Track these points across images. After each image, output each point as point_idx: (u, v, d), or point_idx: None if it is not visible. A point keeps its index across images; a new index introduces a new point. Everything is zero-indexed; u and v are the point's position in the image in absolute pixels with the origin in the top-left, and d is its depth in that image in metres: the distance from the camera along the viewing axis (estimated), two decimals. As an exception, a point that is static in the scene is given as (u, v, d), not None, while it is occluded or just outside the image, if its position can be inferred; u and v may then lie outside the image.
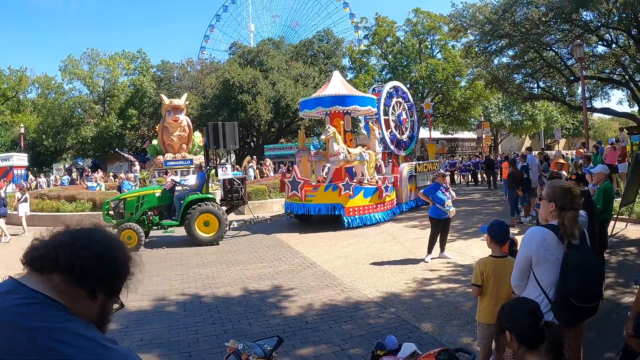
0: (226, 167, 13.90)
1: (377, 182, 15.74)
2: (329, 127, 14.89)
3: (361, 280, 8.40)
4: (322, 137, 14.90)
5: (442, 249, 9.97)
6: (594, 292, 3.25)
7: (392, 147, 18.63)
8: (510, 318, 2.47)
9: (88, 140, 41.78)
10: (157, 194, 13.19)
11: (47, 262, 1.35)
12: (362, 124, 23.15)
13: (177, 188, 13.66)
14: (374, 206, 15.07)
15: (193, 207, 12.56)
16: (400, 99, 19.76)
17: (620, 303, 6.52)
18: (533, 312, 2.47)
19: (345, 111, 16.53)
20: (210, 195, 13.21)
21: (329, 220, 14.85)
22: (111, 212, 12.77)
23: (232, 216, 15.57)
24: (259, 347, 3.25)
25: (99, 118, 42.50)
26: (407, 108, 20.24)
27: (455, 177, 32.25)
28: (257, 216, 15.35)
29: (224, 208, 13.77)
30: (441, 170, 10.60)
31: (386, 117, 18.48)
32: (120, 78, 45.37)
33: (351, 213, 14.47)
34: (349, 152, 14.87)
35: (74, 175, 35.16)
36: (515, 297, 3.36)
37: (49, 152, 43.20)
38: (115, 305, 1.54)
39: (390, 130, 18.60)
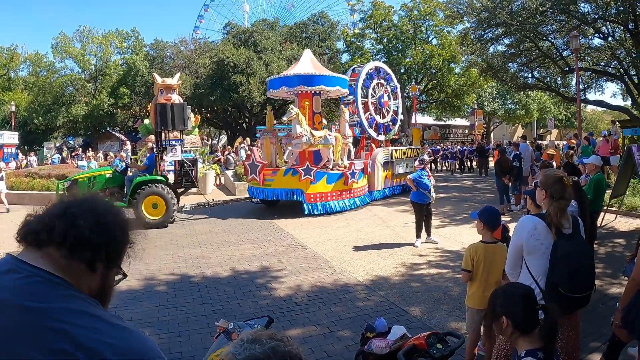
0: (175, 149, 13.70)
1: (345, 167, 14.98)
2: (291, 108, 14.18)
3: (351, 263, 8.42)
4: (284, 118, 14.13)
5: (429, 233, 10.00)
6: (583, 282, 3.26)
7: (370, 131, 18.01)
8: (504, 303, 2.46)
9: (79, 119, 41.37)
10: (108, 175, 13.32)
11: (42, 236, 1.32)
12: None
13: (129, 170, 13.80)
14: (339, 193, 14.34)
15: (142, 188, 12.52)
16: (382, 81, 19.07)
17: (607, 294, 6.58)
18: (527, 296, 2.47)
19: (313, 92, 15.77)
20: (159, 177, 13.06)
21: (295, 206, 14.30)
22: (65, 193, 12.64)
23: (190, 199, 15.57)
24: (249, 327, 3.25)
25: (90, 97, 42.06)
26: (390, 90, 19.57)
27: (438, 164, 32.04)
28: (213, 200, 15.17)
29: (181, 190, 13.85)
30: (425, 157, 10.48)
31: (365, 100, 17.87)
32: (112, 56, 44.88)
33: (312, 199, 13.88)
34: (313, 135, 14.17)
35: (65, 154, 34.91)
36: (507, 282, 3.37)
37: (39, 130, 42.73)
38: (118, 277, 1.51)
39: (369, 113, 17.96)
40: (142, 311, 6.23)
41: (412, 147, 20.48)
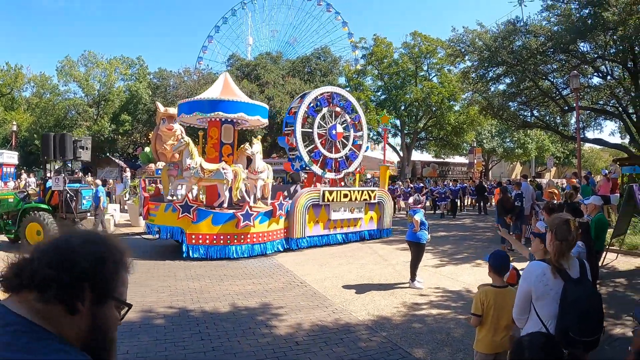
0: (58, 178, 13.41)
1: (247, 206, 12.86)
2: (182, 138, 13.15)
3: (352, 302, 8.32)
4: (174, 149, 13.10)
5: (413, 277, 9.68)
6: (593, 326, 3.25)
7: (313, 167, 15.78)
8: (530, 352, 2.44)
9: (80, 143, 41.49)
10: (11, 200, 13.61)
11: (14, 280, 1.28)
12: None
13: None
14: (228, 236, 12.50)
15: (27, 214, 12.96)
16: (337, 109, 16.69)
17: (612, 334, 6.51)
18: (551, 346, 2.45)
19: (224, 119, 14.24)
20: (43, 205, 13.38)
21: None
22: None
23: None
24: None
25: (92, 121, 42.26)
26: (349, 121, 17.03)
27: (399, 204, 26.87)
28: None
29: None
30: (417, 197, 10.27)
31: (309, 130, 15.94)
32: (116, 83, 45.24)
33: (194, 241, 12.28)
34: (202, 168, 12.83)
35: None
36: (531, 331, 3.33)
37: (39, 152, 42.76)
38: (121, 312, 1.42)
39: (314, 146, 15.92)
40: (139, 345, 6.08)
41: (362, 188, 16.79)
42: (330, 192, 14.96)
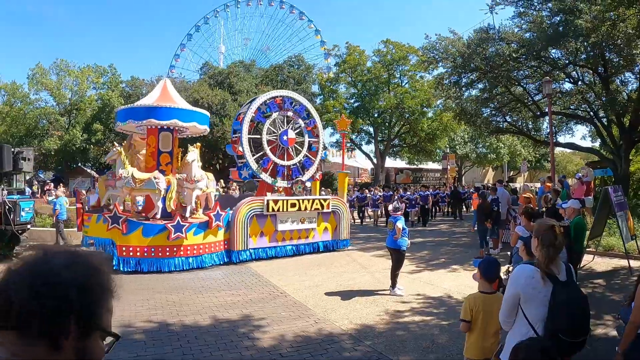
0: None
1: (178, 217, 12.29)
2: (115, 147, 12.96)
3: (334, 312, 8.24)
4: (106, 157, 12.74)
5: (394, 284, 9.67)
6: (582, 327, 3.32)
7: (262, 175, 14.98)
8: (525, 358, 2.43)
9: (51, 153, 40.70)
10: None
11: None
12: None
13: None
14: (160, 249, 11.90)
15: None
16: (290, 114, 15.90)
17: (593, 335, 6.55)
18: (546, 351, 2.44)
19: (160, 127, 13.57)
20: None
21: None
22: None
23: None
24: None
25: (63, 131, 41.50)
26: (303, 126, 16.23)
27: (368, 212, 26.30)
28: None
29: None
30: (396, 204, 10.20)
31: (257, 137, 15.18)
32: (88, 91, 44.47)
33: (124, 253, 11.74)
34: (134, 177, 12.44)
35: (35, 187, 34.05)
36: (530, 337, 3.32)
37: (8, 162, 41.89)
38: (107, 341, 1.28)
39: (262, 153, 15.12)
40: (119, 362, 5.91)
41: (312, 197, 15.64)
42: (276, 202, 14.18)
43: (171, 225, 11.96)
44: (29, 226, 14.38)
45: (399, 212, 9.83)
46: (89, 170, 43.18)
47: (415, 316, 7.95)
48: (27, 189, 31.97)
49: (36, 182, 37.91)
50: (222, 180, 28.37)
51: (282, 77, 43.92)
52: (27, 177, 42.00)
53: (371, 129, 45.12)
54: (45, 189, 31.70)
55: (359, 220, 25.72)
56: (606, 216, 12.53)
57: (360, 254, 14.89)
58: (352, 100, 44.77)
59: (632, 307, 3.99)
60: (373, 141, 45.49)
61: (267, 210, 13.95)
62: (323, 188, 23.79)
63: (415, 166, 53.68)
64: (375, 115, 42.93)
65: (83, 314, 1.18)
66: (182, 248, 12.13)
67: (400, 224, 9.46)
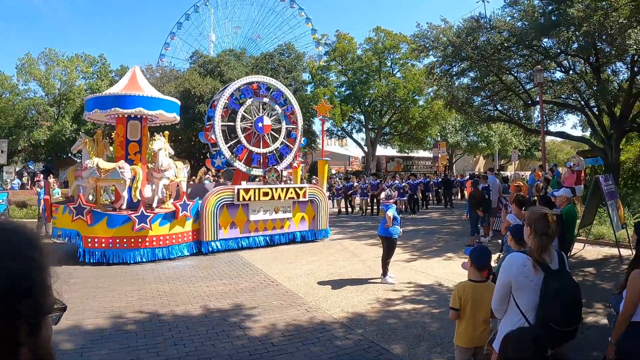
0: None
1: (142, 207, 12.03)
2: (82, 136, 12.94)
3: (325, 300, 8.24)
4: (72, 147, 12.36)
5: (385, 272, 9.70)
6: (573, 316, 3.31)
7: (236, 164, 14.59)
8: (515, 347, 2.42)
9: (41, 144, 40.40)
10: None
11: None
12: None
13: None
14: (125, 240, 11.68)
15: None
16: (266, 99, 15.45)
17: (584, 323, 6.59)
18: (537, 341, 2.43)
19: (128, 115, 13.22)
20: None
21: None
22: None
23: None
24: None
25: (52, 121, 41.16)
26: (280, 112, 15.79)
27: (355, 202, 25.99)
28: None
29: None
30: (389, 192, 10.12)
31: (231, 124, 14.86)
32: (77, 81, 44.06)
33: (90, 244, 11.52)
34: (99, 167, 12.21)
35: (25, 179, 33.88)
36: (520, 326, 3.32)
37: (-1, 153, 41.56)
38: (55, 314, 1.07)
39: (237, 140, 14.79)
40: (110, 353, 5.86)
41: (287, 185, 15.05)
42: (247, 191, 13.78)
43: (135, 216, 11.76)
44: (2, 217, 14.23)
45: (391, 200, 9.82)
46: (79, 161, 42.85)
47: (406, 304, 7.96)
48: (17, 180, 31.82)
49: (26, 174, 37.69)
50: (213, 169, 28.36)
51: (273, 65, 43.68)
52: (17, 169, 41.91)
53: (362, 117, 45.08)
54: (35, 180, 31.51)
55: (347, 210, 25.25)
56: (597, 205, 12.60)
57: (351, 242, 14.90)
58: (342, 89, 44.68)
59: (623, 296, 3.99)
60: (364, 129, 45.47)
61: (238, 199, 13.57)
62: (314, 177, 23.61)
63: (406, 154, 53.75)
64: (366, 103, 42.88)
65: (33, 302, 0.99)
66: (147, 239, 11.92)
67: (391, 212, 9.46)
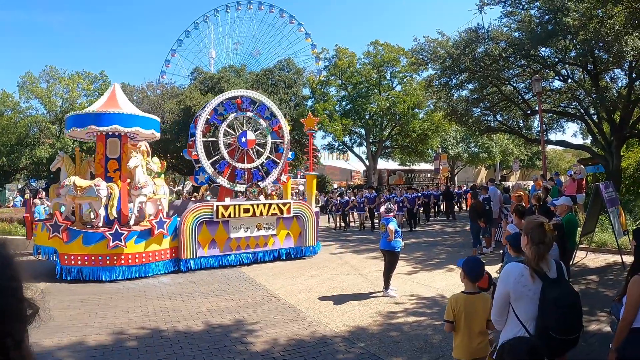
0: None
1: (115, 225, 11.89)
2: (60, 154, 13.28)
3: (327, 314, 8.23)
4: (52, 164, 12.75)
5: (387, 286, 9.66)
6: (573, 325, 3.30)
7: (219, 180, 14.34)
8: (511, 358, 2.41)
9: (43, 161, 40.49)
10: None
11: None
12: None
13: None
14: (101, 257, 11.65)
15: None
16: (250, 114, 15.18)
17: (587, 331, 6.57)
18: (533, 351, 2.42)
19: (107, 133, 13.21)
20: None
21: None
22: None
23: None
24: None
25: (54, 139, 41.31)
26: (265, 127, 15.46)
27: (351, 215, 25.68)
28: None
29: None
30: (389, 205, 10.08)
31: (214, 139, 14.74)
32: (79, 99, 44.25)
33: (66, 262, 11.59)
34: (75, 185, 12.18)
35: (27, 196, 33.93)
36: (511, 332, 3.32)
37: (2, 171, 41.67)
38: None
39: (220, 156, 14.56)
40: (111, 370, 5.87)
41: (269, 201, 14.73)
42: (226, 207, 13.52)
43: (109, 234, 11.67)
44: None
45: (392, 214, 9.82)
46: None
47: (408, 317, 7.94)
48: (19, 198, 31.87)
49: (28, 191, 37.73)
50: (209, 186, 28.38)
51: (273, 80, 43.92)
52: (19, 186, 41.97)
53: (363, 131, 45.16)
54: (37, 197, 31.53)
55: (342, 225, 24.51)
56: (598, 212, 12.59)
57: (353, 256, 14.88)
58: (343, 103, 44.82)
59: (623, 303, 3.98)
60: (365, 143, 45.53)
61: (217, 216, 13.33)
62: (318, 192, 23.40)
63: (407, 167, 53.73)
64: (367, 117, 42.99)
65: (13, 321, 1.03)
66: (122, 257, 11.83)
67: (393, 225, 9.46)
